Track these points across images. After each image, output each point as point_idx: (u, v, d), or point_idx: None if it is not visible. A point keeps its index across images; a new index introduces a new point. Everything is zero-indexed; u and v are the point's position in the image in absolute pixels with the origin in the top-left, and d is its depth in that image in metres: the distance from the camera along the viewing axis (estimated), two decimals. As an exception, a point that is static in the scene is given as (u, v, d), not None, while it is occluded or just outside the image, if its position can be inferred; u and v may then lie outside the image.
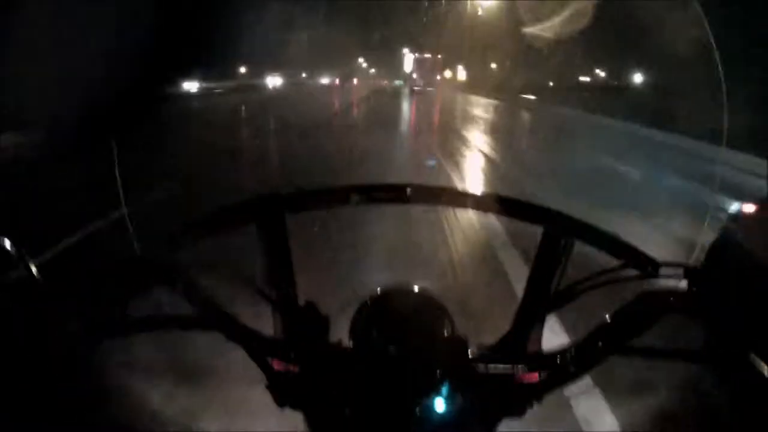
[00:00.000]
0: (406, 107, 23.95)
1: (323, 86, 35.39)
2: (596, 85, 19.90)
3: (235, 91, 26.76)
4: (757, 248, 3.62)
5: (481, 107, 23.07)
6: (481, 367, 0.88)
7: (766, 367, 0.81)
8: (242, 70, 31.09)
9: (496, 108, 22.36)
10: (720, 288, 0.89)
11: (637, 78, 16.63)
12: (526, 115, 19.63)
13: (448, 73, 32.43)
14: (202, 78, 23.53)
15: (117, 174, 1.05)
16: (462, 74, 30.89)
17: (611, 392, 1.83)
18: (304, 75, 36.58)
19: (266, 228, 0.99)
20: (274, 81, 32.73)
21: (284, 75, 33.81)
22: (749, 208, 3.93)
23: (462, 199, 1.18)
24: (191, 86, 22.02)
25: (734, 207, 4.06)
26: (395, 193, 1.05)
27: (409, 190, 1.05)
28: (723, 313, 0.86)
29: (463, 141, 13.42)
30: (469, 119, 18.95)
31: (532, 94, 22.12)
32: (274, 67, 32.17)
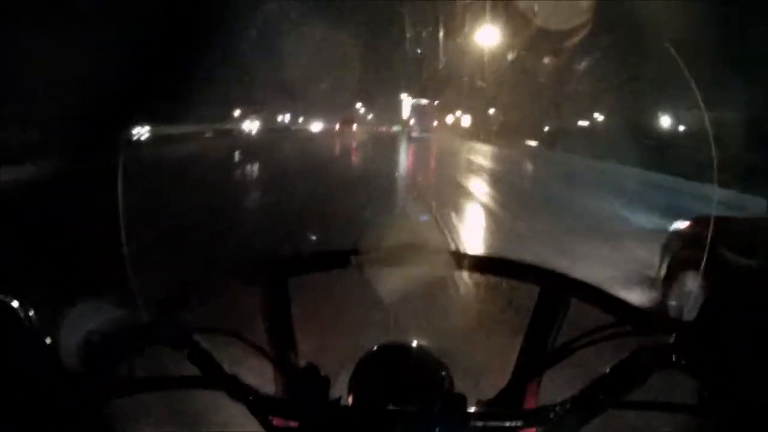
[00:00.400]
0: (403, 157, 23.92)
1: (316, 134, 32.72)
2: (599, 129, 20.16)
3: (205, 138, 23.48)
4: (692, 257, 4.02)
5: (481, 155, 23.22)
6: (479, 423, 0.93)
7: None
8: (236, 113, 28.14)
9: (499, 156, 22.47)
10: (713, 344, 0.95)
11: (639, 119, 16.87)
12: (535, 165, 19.54)
13: (450, 119, 32.70)
14: (171, 121, 19.36)
15: (124, 242, 1.12)
16: (466, 120, 30.96)
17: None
18: (300, 120, 34.03)
19: (269, 290, 1.06)
20: (251, 126, 28.52)
21: (271, 119, 30.59)
22: (684, 224, 4.64)
23: (459, 260, 1.25)
24: (143, 132, 16.56)
25: (673, 226, 4.77)
26: (395, 256, 1.13)
27: (407, 253, 1.12)
28: (716, 369, 0.92)
29: (464, 194, 13.01)
30: (469, 169, 18.88)
31: (535, 139, 22.43)
32: (265, 111, 29.04)
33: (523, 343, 1.01)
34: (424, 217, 9.12)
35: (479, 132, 27.56)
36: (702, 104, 1.74)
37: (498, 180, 16.64)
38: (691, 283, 4.00)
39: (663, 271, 4.56)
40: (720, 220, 4.24)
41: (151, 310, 1.06)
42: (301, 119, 33.99)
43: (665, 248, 4.68)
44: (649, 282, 4.87)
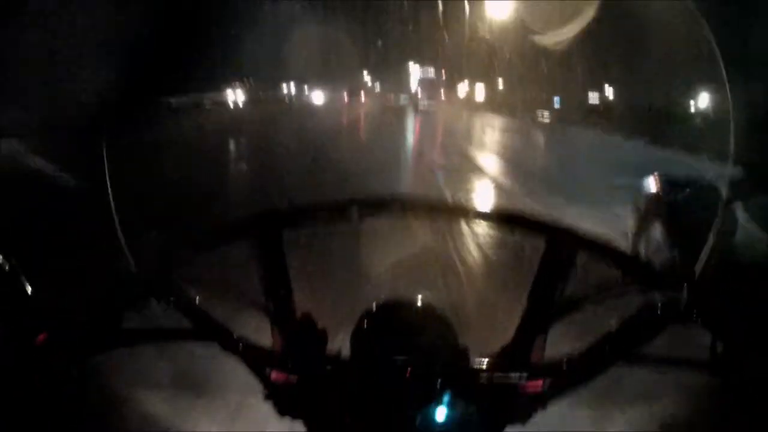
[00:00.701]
0: (410, 132, 23.39)
1: (320, 106, 28.54)
2: (610, 104, 19.89)
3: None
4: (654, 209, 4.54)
5: (490, 127, 22.99)
6: (483, 376, 0.92)
7: None
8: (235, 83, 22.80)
9: (508, 128, 22.23)
10: (722, 296, 0.94)
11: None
12: (542, 138, 19.23)
13: (460, 90, 32.30)
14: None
15: (109, 190, 1.11)
16: (478, 92, 30.31)
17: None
18: (306, 90, 31.71)
19: (263, 243, 1.05)
20: (234, 96, 22.12)
21: (275, 89, 26.34)
22: (648, 181, 5.02)
23: (464, 212, 1.24)
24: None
25: (644, 184, 5.12)
26: (396, 206, 1.11)
27: (410, 203, 1.11)
28: (725, 321, 0.91)
29: (470, 167, 12.69)
30: (479, 142, 18.59)
31: (548, 111, 22.18)
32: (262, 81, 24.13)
33: (529, 297, 0.99)
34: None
35: (490, 104, 27.30)
36: (726, 80, 1.72)
37: (502, 151, 16.42)
38: (655, 232, 4.65)
39: (633, 224, 5.13)
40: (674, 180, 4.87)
41: (143, 264, 1.06)
42: (306, 90, 32.02)
43: (635, 204, 5.21)
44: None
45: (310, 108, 26.68)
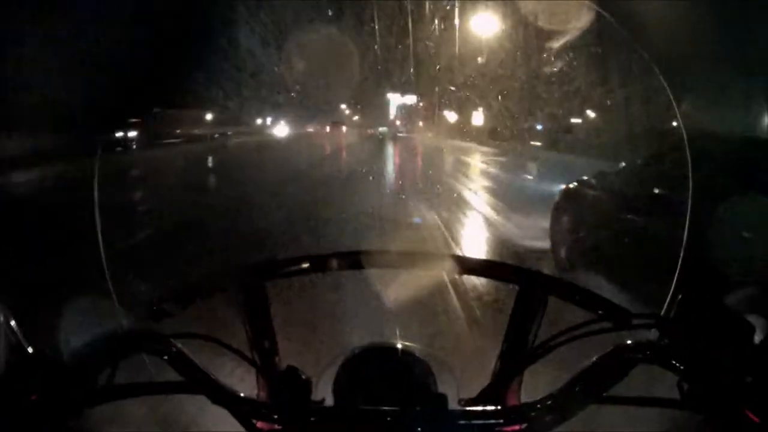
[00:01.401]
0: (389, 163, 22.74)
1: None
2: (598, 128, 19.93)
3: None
4: (584, 218, 6.37)
5: (476, 154, 23.04)
6: (462, 422, 0.98)
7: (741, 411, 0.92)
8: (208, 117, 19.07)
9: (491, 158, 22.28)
10: (691, 337, 1.00)
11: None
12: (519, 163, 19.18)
13: (441, 119, 32.32)
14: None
15: (101, 245, 1.16)
16: (459, 120, 30.17)
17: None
18: (281, 122, 28.27)
19: (246, 295, 1.11)
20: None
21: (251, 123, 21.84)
22: (563, 186, 6.85)
23: (438, 261, 1.31)
24: None
25: (561, 187, 6.87)
26: (374, 259, 1.17)
27: (385, 255, 1.18)
28: (694, 362, 0.97)
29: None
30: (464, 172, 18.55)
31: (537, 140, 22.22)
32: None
33: (504, 342, 1.06)
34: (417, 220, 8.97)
35: (468, 132, 27.42)
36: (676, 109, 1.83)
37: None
38: (565, 222, 6.40)
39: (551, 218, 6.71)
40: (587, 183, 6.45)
41: (132, 317, 1.10)
42: (282, 123, 29.10)
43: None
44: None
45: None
